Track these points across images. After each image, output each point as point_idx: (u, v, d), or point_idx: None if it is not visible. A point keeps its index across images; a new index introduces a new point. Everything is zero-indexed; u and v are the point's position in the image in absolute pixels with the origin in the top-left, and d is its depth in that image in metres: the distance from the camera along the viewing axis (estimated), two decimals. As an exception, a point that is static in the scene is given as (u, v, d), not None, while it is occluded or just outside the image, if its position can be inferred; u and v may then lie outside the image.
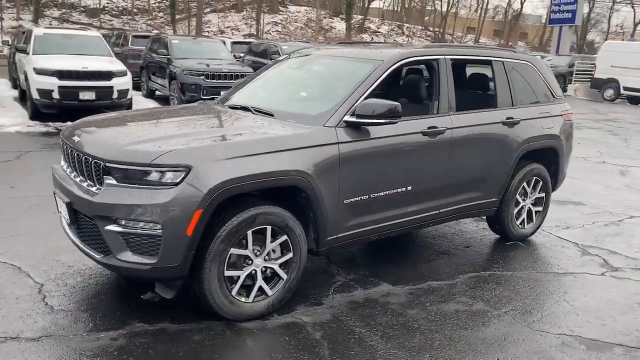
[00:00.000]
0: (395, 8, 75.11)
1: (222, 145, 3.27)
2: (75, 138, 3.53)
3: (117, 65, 10.96)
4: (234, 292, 3.35)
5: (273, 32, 54.36)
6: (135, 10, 55.21)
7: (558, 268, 4.63)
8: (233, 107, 4.20)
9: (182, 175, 3.06)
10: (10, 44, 19.67)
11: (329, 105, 3.81)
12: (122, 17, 54.99)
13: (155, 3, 56.90)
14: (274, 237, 3.46)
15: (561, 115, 5.31)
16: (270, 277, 3.54)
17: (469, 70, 5.34)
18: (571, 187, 7.22)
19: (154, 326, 3.32)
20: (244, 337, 3.26)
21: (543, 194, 5.28)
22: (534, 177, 5.12)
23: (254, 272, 3.42)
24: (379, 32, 59.36)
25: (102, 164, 3.16)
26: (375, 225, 4.01)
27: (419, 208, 4.26)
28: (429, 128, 4.16)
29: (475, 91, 5.34)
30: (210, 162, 3.12)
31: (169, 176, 3.06)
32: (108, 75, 10.54)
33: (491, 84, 4.89)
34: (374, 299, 3.86)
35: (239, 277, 3.36)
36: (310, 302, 3.75)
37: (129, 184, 3.10)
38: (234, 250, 3.28)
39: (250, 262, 3.39)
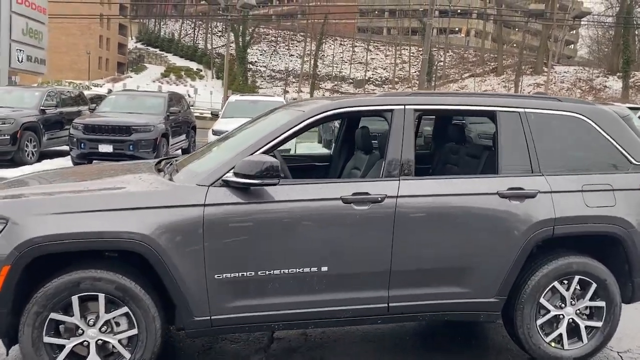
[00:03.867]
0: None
1: (46, 199, 3.09)
2: None
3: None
4: (58, 362, 3.05)
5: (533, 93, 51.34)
6: (396, 79, 58.73)
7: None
8: (163, 164, 3.95)
9: (1, 228, 2.97)
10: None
11: (224, 159, 3.32)
12: (384, 86, 59.07)
13: (415, 72, 59.56)
14: (117, 307, 3.08)
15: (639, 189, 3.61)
16: (118, 354, 3.13)
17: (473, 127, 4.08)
18: None
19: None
20: (49, 414, 2.92)
21: (602, 303, 3.59)
22: (577, 276, 3.54)
23: (86, 343, 3.07)
24: (668, 90, 50.80)
25: None
26: (276, 312, 3.26)
27: (347, 297, 3.32)
28: (354, 194, 3.25)
29: (469, 151, 4.11)
30: (28, 216, 2.97)
31: None
32: (270, 135, 11.20)
33: (501, 143, 3.61)
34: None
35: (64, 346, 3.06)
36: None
37: None
38: (55, 316, 3.01)
39: (82, 331, 3.06)
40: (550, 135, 3.62)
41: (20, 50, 18.66)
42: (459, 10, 63.98)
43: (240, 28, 60.20)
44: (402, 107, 3.46)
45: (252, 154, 3.20)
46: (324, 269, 3.25)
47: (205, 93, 55.60)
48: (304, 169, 4.92)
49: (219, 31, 78.92)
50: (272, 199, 3.18)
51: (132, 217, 3.01)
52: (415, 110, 3.50)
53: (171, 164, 3.82)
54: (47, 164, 12.33)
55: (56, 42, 62.61)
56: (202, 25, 78.01)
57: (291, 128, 3.33)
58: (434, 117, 5.34)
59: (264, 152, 3.24)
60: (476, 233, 3.39)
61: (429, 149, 5.23)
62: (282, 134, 3.31)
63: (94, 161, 11.79)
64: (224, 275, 3.14)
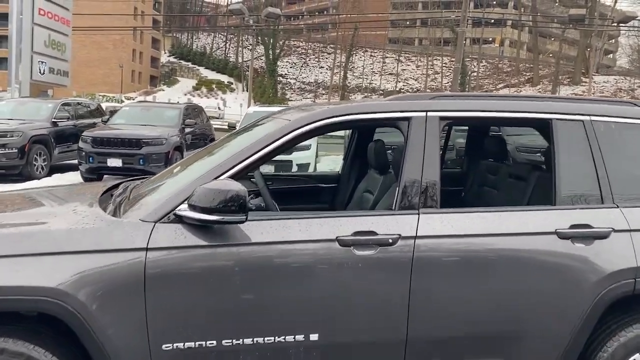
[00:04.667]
0: None
1: None
2: None
3: (301, 140, 10.72)
4: None
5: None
6: (428, 90, 57.50)
7: None
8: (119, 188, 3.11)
9: None
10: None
11: (178, 186, 2.48)
12: (415, 97, 57.99)
13: (447, 82, 58.32)
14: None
15: None
16: None
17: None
18: None
19: None
20: None
21: None
22: (672, 348, 2.56)
23: None
24: None
25: None
26: (247, 395, 2.38)
27: (346, 375, 2.42)
28: (356, 234, 2.37)
29: (513, 171, 3.23)
30: None
31: None
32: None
33: (560, 163, 2.67)
34: None
35: None
36: None
37: None
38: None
39: (-21, 420, 2.25)
40: (626, 152, 2.67)
41: (42, 62, 18.39)
42: (492, 20, 62.60)
43: (271, 41, 60.10)
44: (423, 114, 2.57)
45: (216, 179, 2.36)
46: (314, 337, 2.36)
47: (235, 105, 55.56)
48: (306, 192, 4.07)
49: (250, 44, 79.45)
50: (243, 240, 2.32)
51: (46, 266, 2.19)
52: (442, 118, 2.59)
53: (125, 189, 2.99)
54: (58, 179, 11.78)
55: (89, 56, 63.70)
56: (234, 38, 78.51)
57: (270, 143, 2.47)
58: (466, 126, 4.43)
59: (233, 176, 2.39)
60: (526, 288, 2.45)
61: (461, 167, 4.31)
62: (257, 152, 2.45)
63: (105, 176, 11.19)
64: (175, 345, 2.29)
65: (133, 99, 55.20)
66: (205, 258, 2.29)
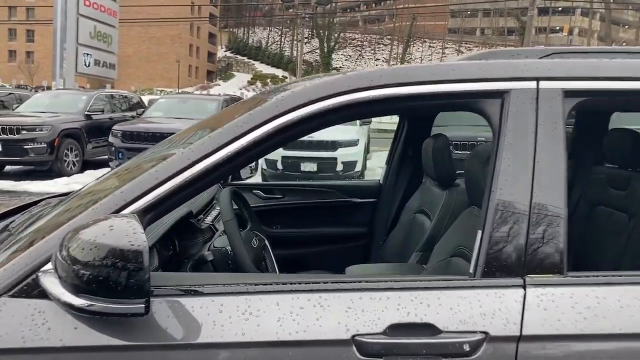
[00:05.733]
0: None
1: None
2: None
3: (348, 135, 9.50)
4: None
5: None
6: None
7: None
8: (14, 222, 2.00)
9: None
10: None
11: (55, 227, 1.32)
12: (476, 89, 55.64)
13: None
14: None
15: None
16: None
17: None
18: None
19: None
20: None
21: None
22: None
23: None
24: None
25: None
26: None
27: None
28: (392, 330, 1.14)
29: None
30: None
31: None
32: (332, 145, 9.21)
33: None
34: None
35: None
36: None
37: None
38: None
39: None
40: None
41: (88, 55, 17.99)
42: (560, 8, 59.19)
43: (325, 33, 59.13)
44: (532, 83, 1.30)
45: (116, 213, 1.19)
46: None
47: (289, 99, 55.06)
48: (334, 209, 2.86)
49: (305, 38, 79.01)
50: (160, 339, 1.15)
51: None
52: (567, 92, 1.31)
53: (25, 215, 1.86)
54: (89, 176, 11.08)
55: (148, 52, 64.90)
56: (289, 32, 78.24)
57: (221, 148, 1.25)
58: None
59: (149, 209, 1.21)
60: None
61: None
62: (194, 164, 1.23)
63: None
64: None
65: (190, 93, 55.60)
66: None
